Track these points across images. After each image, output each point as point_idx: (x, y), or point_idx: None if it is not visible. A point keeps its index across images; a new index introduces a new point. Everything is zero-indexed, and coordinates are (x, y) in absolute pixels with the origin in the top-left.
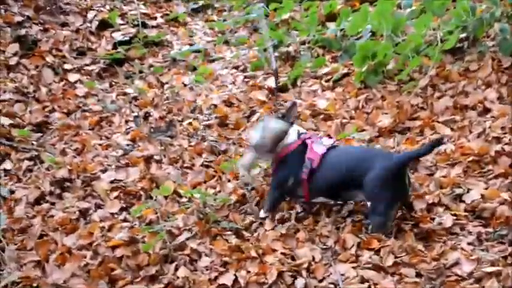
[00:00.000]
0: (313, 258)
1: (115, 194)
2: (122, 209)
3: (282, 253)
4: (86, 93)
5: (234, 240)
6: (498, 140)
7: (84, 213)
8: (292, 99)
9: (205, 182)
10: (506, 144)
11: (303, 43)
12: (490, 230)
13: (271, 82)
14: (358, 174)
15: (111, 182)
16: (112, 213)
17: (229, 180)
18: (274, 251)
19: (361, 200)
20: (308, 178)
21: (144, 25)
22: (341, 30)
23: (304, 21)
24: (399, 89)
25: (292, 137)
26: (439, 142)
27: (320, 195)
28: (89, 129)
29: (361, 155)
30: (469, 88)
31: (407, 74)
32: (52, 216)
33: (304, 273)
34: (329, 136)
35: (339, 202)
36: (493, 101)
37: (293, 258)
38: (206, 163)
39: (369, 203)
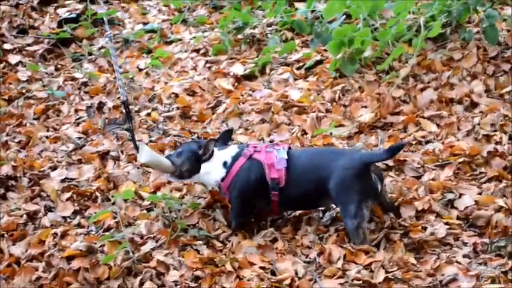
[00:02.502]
0: (296, 273)
1: (67, 195)
2: (75, 213)
3: (260, 267)
4: (29, 78)
5: (205, 252)
6: (488, 138)
7: (32, 217)
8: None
9: (169, 182)
10: (497, 143)
11: (270, 25)
12: (486, 240)
13: (237, 68)
14: (323, 180)
15: (62, 181)
16: (64, 217)
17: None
18: (251, 264)
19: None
20: (279, 197)
21: (92, 1)
22: (312, 11)
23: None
24: (378, 79)
25: (217, 171)
26: (399, 147)
27: (292, 209)
28: (34, 119)
29: (321, 159)
30: (453, 79)
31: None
32: None
33: None
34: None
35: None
36: (480, 94)
37: (273, 273)
38: None
39: (339, 208)
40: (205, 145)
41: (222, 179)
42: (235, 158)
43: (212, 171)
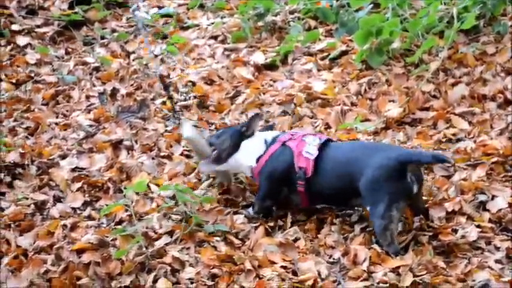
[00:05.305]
0: (319, 274)
1: (77, 185)
2: (85, 204)
3: (281, 266)
4: (38, 61)
5: (223, 248)
6: None
7: (40, 207)
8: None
9: (184, 174)
10: None
11: (292, 12)
12: None
13: (257, 57)
14: (353, 177)
15: (72, 170)
16: (74, 208)
17: None
18: (272, 263)
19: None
20: (305, 188)
21: None
22: None
23: None
24: (407, 72)
25: (256, 148)
26: (444, 160)
27: (320, 202)
28: (43, 105)
29: (354, 154)
30: (487, 75)
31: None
32: (2, 209)
33: None
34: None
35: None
36: None
37: (295, 273)
38: (186, 152)
39: (368, 207)
40: (250, 119)
41: (258, 160)
42: (272, 141)
43: (252, 149)
